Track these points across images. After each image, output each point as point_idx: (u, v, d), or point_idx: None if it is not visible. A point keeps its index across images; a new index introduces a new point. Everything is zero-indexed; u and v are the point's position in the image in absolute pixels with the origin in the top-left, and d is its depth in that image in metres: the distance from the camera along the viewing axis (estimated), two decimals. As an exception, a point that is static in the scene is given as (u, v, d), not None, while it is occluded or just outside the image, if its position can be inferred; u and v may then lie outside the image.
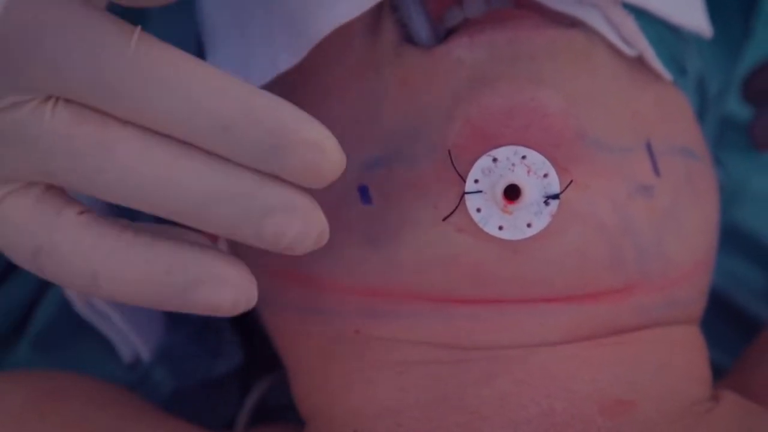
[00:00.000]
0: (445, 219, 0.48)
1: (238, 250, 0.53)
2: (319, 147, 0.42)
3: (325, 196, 0.50)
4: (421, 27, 0.51)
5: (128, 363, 0.62)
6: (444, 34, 0.51)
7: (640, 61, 0.52)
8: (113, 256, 0.43)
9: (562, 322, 0.49)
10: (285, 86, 0.53)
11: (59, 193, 0.44)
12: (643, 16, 0.52)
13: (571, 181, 0.47)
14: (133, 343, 0.62)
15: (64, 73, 0.42)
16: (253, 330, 0.64)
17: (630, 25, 0.51)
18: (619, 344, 0.50)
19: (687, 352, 0.52)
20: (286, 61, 0.51)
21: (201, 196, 0.42)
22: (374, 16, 0.52)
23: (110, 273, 0.43)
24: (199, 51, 0.56)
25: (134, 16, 0.64)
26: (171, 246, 0.44)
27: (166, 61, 0.42)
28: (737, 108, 0.79)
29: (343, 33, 0.51)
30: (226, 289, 0.43)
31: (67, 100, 0.42)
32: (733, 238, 0.69)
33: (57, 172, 0.43)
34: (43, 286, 0.63)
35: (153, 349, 0.62)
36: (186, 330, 0.64)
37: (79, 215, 0.44)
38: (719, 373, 0.54)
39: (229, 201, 0.42)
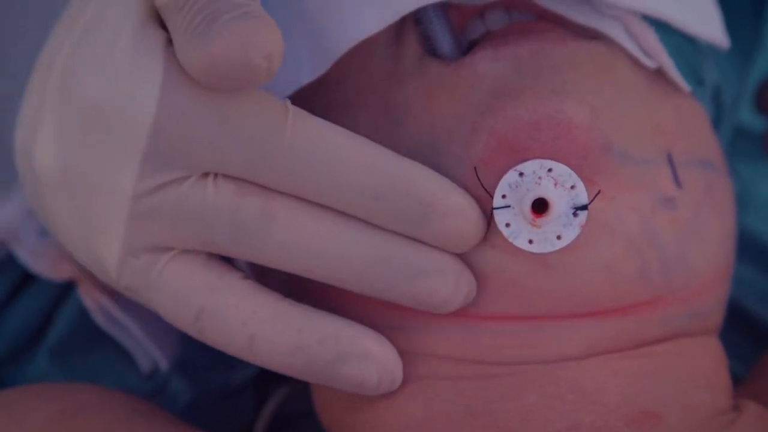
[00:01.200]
0: None
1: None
2: (464, 215, 0.46)
3: None
4: (444, 39, 0.51)
5: (146, 373, 0.62)
6: (466, 47, 0.52)
7: (659, 73, 0.53)
8: (271, 322, 0.47)
9: (589, 336, 0.49)
10: (307, 98, 0.53)
11: (218, 259, 0.47)
12: (662, 27, 0.53)
13: (599, 192, 0.48)
14: (152, 353, 0.62)
15: (224, 155, 0.45)
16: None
17: (650, 37, 0.52)
18: (645, 356, 0.50)
19: (709, 363, 0.52)
20: (308, 74, 0.51)
21: (359, 262, 0.46)
22: (397, 29, 0.52)
23: (266, 338, 0.47)
24: None
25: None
26: (326, 318, 0.48)
27: (321, 138, 0.45)
28: (746, 115, 0.79)
29: (365, 46, 0.51)
30: (372, 366, 0.47)
31: (226, 175, 0.46)
32: (740, 245, 0.70)
33: (221, 242, 0.46)
34: (62, 297, 0.63)
35: (171, 359, 0.63)
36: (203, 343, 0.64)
37: (241, 280, 0.47)
38: (734, 381, 0.54)
39: (385, 265, 0.46)
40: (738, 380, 0.55)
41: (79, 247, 0.49)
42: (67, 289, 0.63)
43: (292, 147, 0.45)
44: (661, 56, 0.52)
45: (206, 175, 0.46)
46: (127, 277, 0.48)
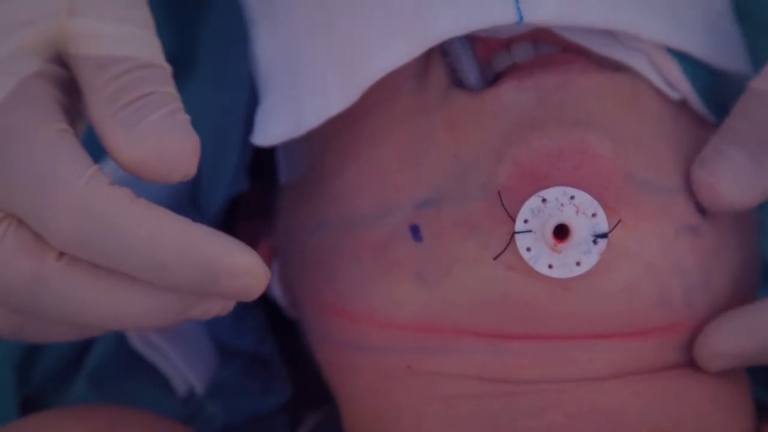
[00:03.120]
0: (496, 258, 0.49)
1: (293, 284, 0.54)
2: (252, 274, 0.46)
3: (375, 235, 0.52)
4: (470, 71, 0.52)
5: (182, 397, 0.63)
6: (492, 79, 0.53)
7: (684, 104, 0.54)
8: None
9: (610, 357, 0.50)
10: (335, 129, 0.55)
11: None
12: (687, 59, 0.53)
13: (620, 221, 0.49)
14: (188, 377, 0.63)
15: (12, 194, 0.45)
16: (302, 365, 0.65)
17: (674, 70, 0.53)
18: (666, 378, 0.51)
19: (731, 387, 0.53)
20: (337, 105, 0.53)
21: (143, 311, 0.47)
22: (423, 61, 0.53)
23: None
24: (252, 94, 0.58)
25: (185, 56, 0.66)
26: None
27: (111, 203, 0.44)
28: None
29: (392, 77, 0.52)
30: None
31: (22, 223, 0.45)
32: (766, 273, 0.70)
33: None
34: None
35: (206, 383, 0.64)
36: (237, 365, 0.65)
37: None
38: (759, 407, 0.55)
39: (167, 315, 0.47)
40: (763, 407, 0.55)
41: None
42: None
43: (77, 204, 0.44)
44: (685, 88, 0.53)
45: (6, 218, 0.46)
46: None
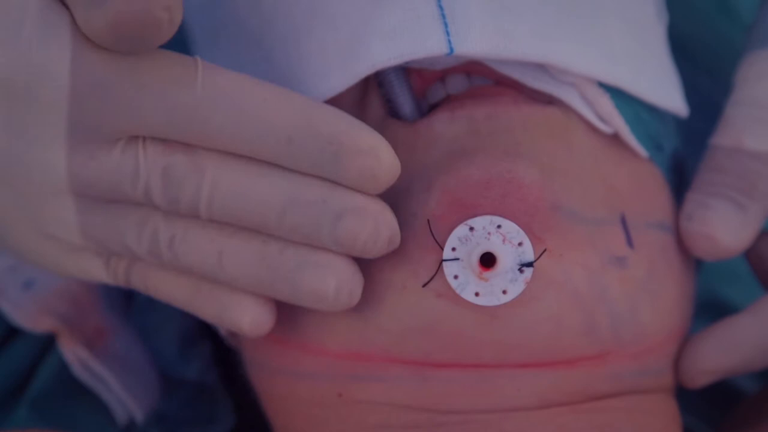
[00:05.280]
0: (424, 285, 0.50)
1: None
2: (373, 153, 0.47)
3: None
4: (404, 102, 0.53)
5: (122, 425, 0.64)
6: (427, 110, 0.54)
7: (616, 138, 0.54)
8: (236, 235, 0.49)
9: (537, 387, 0.51)
10: None
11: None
12: (620, 94, 0.54)
13: (545, 250, 0.49)
14: (128, 406, 0.63)
15: (142, 116, 0.47)
16: (246, 394, 0.65)
17: (605, 104, 0.54)
18: (594, 411, 0.51)
19: (661, 420, 0.53)
20: None
21: (279, 205, 0.47)
22: (361, 91, 0.54)
23: (233, 252, 0.49)
24: None
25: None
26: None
27: (231, 87, 0.47)
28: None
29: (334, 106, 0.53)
30: (329, 274, 0.49)
31: (152, 138, 0.47)
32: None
33: (159, 201, 0.48)
34: (44, 350, 0.65)
35: (148, 411, 0.64)
36: (182, 394, 0.66)
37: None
38: None
39: (304, 208, 0.47)
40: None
41: (28, 237, 0.51)
42: (50, 342, 0.65)
43: (204, 97, 0.46)
44: (617, 122, 0.54)
45: (135, 138, 0.48)
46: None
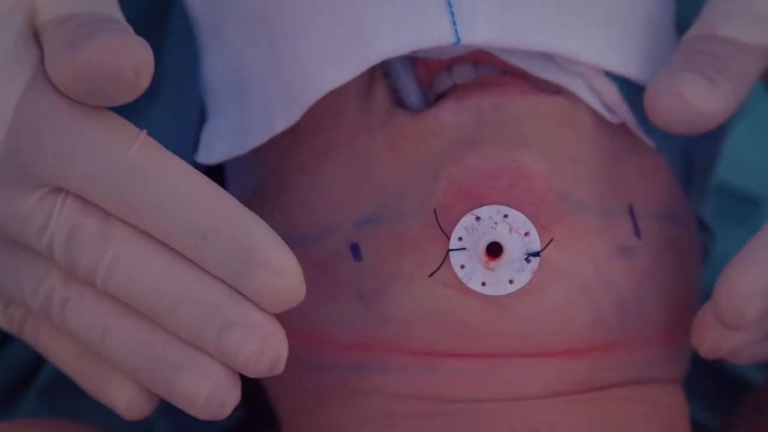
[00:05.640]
0: (431, 275, 0.50)
1: None
2: (282, 273, 0.46)
3: (319, 255, 0.52)
4: (411, 92, 0.53)
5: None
6: (434, 99, 0.54)
7: (624, 128, 0.54)
8: (125, 317, 0.47)
9: (544, 376, 0.51)
10: (283, 148, 0.55)
11: None
12: (626, 82, 0.54)
13: (552, 240, 0.49)
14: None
15: (68, 168, 0.46)
16: (255, 385, 0.65)
17: (613, 94, 0.54)
18: (600, 400, 0.51)
19: (668, 411, 0.53)
20: (281, 124, 0.53)
21: (173, 298, 0.46)
22: (367, 81, 0.54)
23: (120, 332, 0.47)
24: (202, 114, 0.59)
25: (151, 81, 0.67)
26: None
27: (162, 167, 0.46)
28: (736, 179, 0.80)
29: (337, 97, 0.53)
30: (204, 382, 0.47)
31: (75, 195, 0.46)
32: None
33: (59, 259, 0.46)
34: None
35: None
36: None
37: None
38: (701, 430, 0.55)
39: (197, 307, 0.46)
40: (699, 427, 0.56)
41: None
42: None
43: (132, 168, 0.45)
44: (624, 112, 0.54)
45: (59, 192, 0.46)
46: None
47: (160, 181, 0.45)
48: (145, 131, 0.46)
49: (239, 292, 0.46)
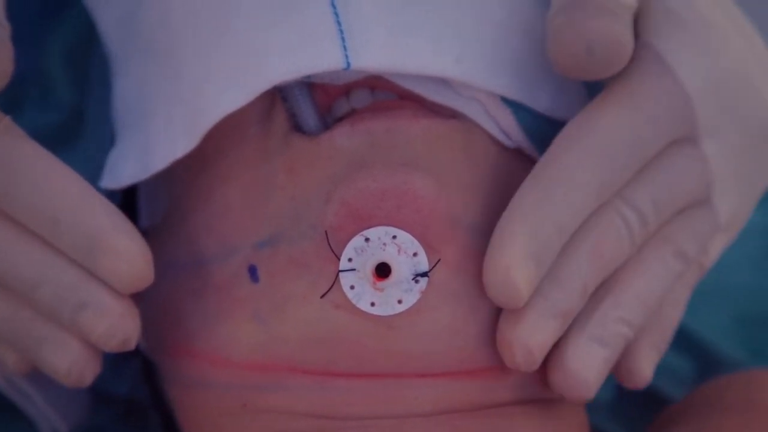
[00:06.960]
0: (322, 296, 0.51)
1: (147, 327, 0.55)
2: (125, 258, 0.49)
3: (219, 276, 0.53)
4: (308, 116, 0.54)
5: (47, 439, 0.64)
6: (331, 124, 0.54)
7: (519, 152, 0.55)
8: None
9: (436, 395, 0.51)
10: (192, 172, 0.56)
11: None
12: (521, 108, 0.55)
13: (439, 260, 0.50)
14: (52, 421, 0.64)
15: None
16: (171, 412, 0.66)
17: (508, 119, 0.54)
18: (495, 416, 0.52)
19: (565, 425, 0.54)
20: (181, 149, 0.54)
21: (33, 278, 0.50)
22: (268, 106, 0.55)
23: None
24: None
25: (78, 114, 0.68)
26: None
27: (21, 153, 0.49)
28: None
29: (239, 121, 0.54)
30: (65, 355, 0.51)
31: None
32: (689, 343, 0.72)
33: None
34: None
35: (74, 426, 0.64)
36: (113, 410, 0.67)
37: None
38: None
39: (55, 288, 0.50)
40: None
41: None
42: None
43: None
44: (519, 137, 0.55)
45: None
46: None
47: (16, 167, 0.49)
48: (8, 117, 0.49)
49: (94, 275, 0.50)
